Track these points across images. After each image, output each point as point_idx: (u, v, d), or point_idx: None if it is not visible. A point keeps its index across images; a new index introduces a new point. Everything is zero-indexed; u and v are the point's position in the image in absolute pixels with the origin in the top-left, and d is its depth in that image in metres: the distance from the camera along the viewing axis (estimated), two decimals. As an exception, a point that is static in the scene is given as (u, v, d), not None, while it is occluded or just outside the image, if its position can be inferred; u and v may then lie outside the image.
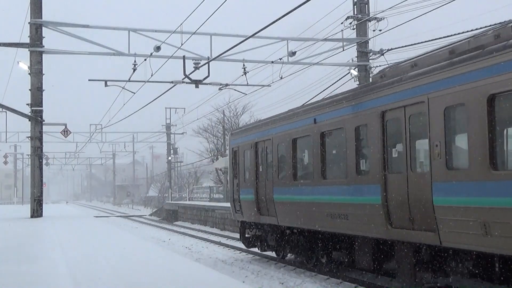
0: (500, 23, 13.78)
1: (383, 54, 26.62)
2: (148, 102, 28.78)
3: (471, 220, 9.43)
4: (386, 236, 11.84)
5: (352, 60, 27.60)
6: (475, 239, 9.40)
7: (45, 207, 28.23)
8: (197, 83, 26.15)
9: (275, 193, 17.12)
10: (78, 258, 12.17)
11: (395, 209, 11.40)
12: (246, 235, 20.50)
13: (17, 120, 32.84)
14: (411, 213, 10.93)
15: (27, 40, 25.64)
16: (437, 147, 10.14)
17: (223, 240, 28.45)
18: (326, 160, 14.48)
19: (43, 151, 27.87)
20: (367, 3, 26.31)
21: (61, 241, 15.95)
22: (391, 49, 26.24)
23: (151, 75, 25.25)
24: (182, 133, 66.63)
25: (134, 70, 25.78)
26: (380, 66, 26.35)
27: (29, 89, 25.91)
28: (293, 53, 26.37)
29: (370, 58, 27.15)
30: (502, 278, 9.69)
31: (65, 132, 32.25)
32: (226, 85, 28.15)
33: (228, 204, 37.45)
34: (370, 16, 25.89)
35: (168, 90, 26.44)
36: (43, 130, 27.39)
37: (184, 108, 58.90)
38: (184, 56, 24.90)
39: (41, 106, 25.95)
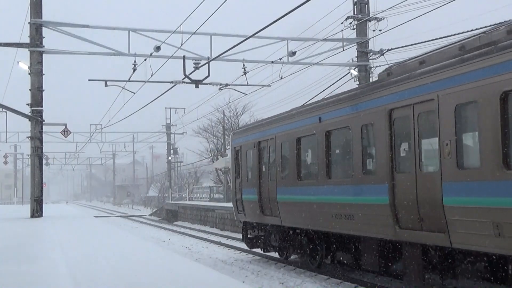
0: (500, 23, 13.56)
1: (383, 54, 26.58)
2: (148, 102, 28.79)
3: (483, 221, 9.19)
4: (393, 237, 11.59)
5: (352, 60, 27.54)
6: (487, 240, 9.17)
7: (45, 207, 28.11)
8: (197, 83, 26.08)
9: (279, 193, 16.88)
10: (78, 258, 12.05)
11: (403, 210, 11.15)
12: (249, 236, 20.25)
13: (17, 120, 32.75)
14: (420, 213, 10.68)
15: (27, 40, 25.48)
16: (448, 146, 9.89)
17: (223, 240, 28.39)
18: (331, 159, 14.24)
19: (43, 151, 27.72)
20: (367, 3, 26.26)
21: (61, 241, 15.81)
22: (391, 49, 26.20)
23: (151, 75, 25.23)
24: (182, 133, 66.59)
25: (134, 70, 25.70)
26: (380, 66, 26.68)
27: (29, 89, 25.77)
28: (293, 53, 26.30)
29: (370, 58, 27.08)
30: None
31: (65, 132, 32.14)
32: (226, 85, 28.09)
33: (228, 204, 37.61)
34: (370, 16, 25.84)
35: (168, 90, 26.43)
36: (43, 130, 27.24)
37: (184, 108, 58.89)
38: (184, 56, 24.84)
39: (41, 106, 25.80)
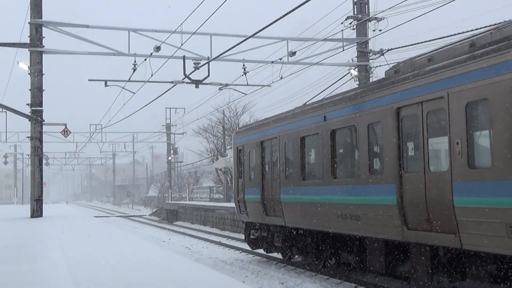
0: (500, 22, 13.39)
1: (383, 54, 26.52)
2: (148, 102, 28.77)
3: (495, 222, 8.96)
4: (401, 238, 11.35)
5: (352, 60, 27.48)
6: (499, 241, 8.94)
7: (45, 207, 28.05)
8: (197, 83, 26.06)
9: (282, 193, 16.65)
10: (78, 258, 12.02)
11: (412, 210, 10.91)
12: (251, 236, 20.02)
13: (17, 120, 32.64)
14: (429, 214, 10.44)
15: (27, 40, 25.38)
16: (458, 145, 9.65)
17: (223, 240, 28.40)
18: (336, 158, 14.01)
19: (43, 151, 27.67)
20: (367, 3, 26.20)
21: (61, 241, 15.76)
22: (391, 49, 26.13)
23: (151, 75, 25.19)
24: (182, 133, 66.47)
25: (134, 70, 25.66)
26: (380, 66, 26.78)
27: (29, 89, 25.70)
28: (293, 53, 26.25)
29: (370, 58, 27.03)
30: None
31: (65, 132, 32.04)
32: (226, 85, 28.06)
33: (228, 204, 37.58)
34: (370, 16, 25.80)
35: (168, 90, 26.40)
36: (43, 130, 27.16)
37: (184, 108, 58.79)
38: (184, 56, 24.80)
39: (41, 106, 25.71)
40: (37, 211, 25.78)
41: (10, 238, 17.28)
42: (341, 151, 14.16)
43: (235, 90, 29.03)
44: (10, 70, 36.48)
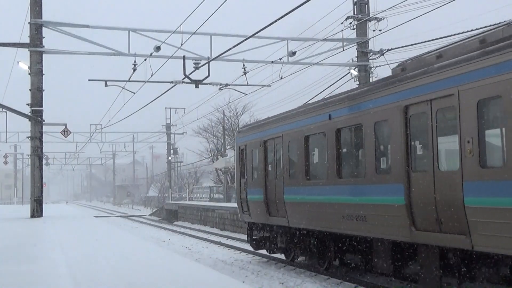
0: (500, 22, 13.23)
1: (383, 54, 26.51)
2: (148, 102, 28.80)
3: (507, 223, 8.72)
4: (409, 239, 11.12)
5: (352, 60, 27.47)
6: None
7: (45, 207, 28.07)
8: (197, 83, 26.03)
9: (286, 193, 16.42)
10: (78, 258, 12.01)
11: (420, 210, 10.68)
12: (254, 237, 19.78)
13: (17, 120, 32.66)
14: (438, 214, 10.21)
15: (27, 40, 25.34)
16: (469, 144, 9.42)
17: (223, 240, 28.37)
18: (342, 158, 13.78)
19: (43, 151, 27.59)
20: (367, 3, 26.18)
21: (61, 241, 15.73)
22: (391, 49, 26.12)
23: (151, 75, 25.19)
24: (182, 133, 66.42)
25: (134, 70, 25.65)
26: (380, 66, 26.89)
27: (29, 89, 25.66)
28: (293, 53, 26.24)
29: (370, 58, 27.03)
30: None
31: (65, 132, 31.98)
32: (226, 85, 28.08)
33: (228, 204, 37.49)
34: (370, 16, 25.79)
35: (168, 90, 26.42)
36: (43, 130, 27.15)
37: (184, 108, 58.76)
38: (184, 56, 24.76)
39: (41, 106, 25.67)
40: (37, 211, 25.77)
41: (10, 238, 17.26)
42: (346, 150, 13.93)
43: (235, 90, 29.10)
44: (10, 70, 36.53)
